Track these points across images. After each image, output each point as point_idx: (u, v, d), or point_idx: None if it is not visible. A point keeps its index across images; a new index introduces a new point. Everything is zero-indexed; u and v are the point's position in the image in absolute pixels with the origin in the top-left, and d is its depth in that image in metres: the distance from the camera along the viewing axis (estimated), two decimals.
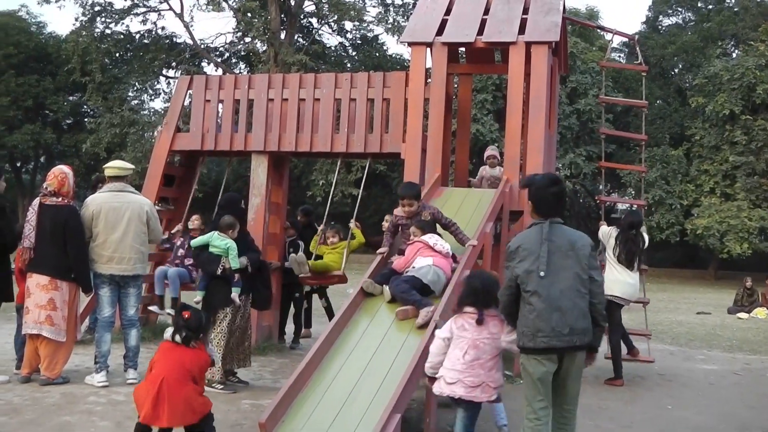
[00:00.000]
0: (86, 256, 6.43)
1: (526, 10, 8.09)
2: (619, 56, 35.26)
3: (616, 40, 35.68)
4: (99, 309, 6.62)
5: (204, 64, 32.12)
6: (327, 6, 29.43)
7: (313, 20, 32.84)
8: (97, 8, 29.18)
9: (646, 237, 8.15)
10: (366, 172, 8.93)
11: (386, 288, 5.55)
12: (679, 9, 37.32)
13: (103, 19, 29.43)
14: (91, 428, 5.18)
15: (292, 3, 29.58)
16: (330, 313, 9.47)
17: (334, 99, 8.64)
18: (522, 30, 7.85)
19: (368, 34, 34.35)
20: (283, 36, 28.74)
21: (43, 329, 6.28)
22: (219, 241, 6.43)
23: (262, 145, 8.79)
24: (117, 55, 31.16)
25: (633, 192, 29.33)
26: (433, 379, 4.49)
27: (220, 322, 6.38)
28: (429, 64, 8.17)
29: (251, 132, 8.90)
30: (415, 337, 5.06)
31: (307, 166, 27.86)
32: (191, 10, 52.64)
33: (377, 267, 5.95)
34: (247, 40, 29.16)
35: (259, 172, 8.83)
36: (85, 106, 33.51)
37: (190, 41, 30.28)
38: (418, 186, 6.39)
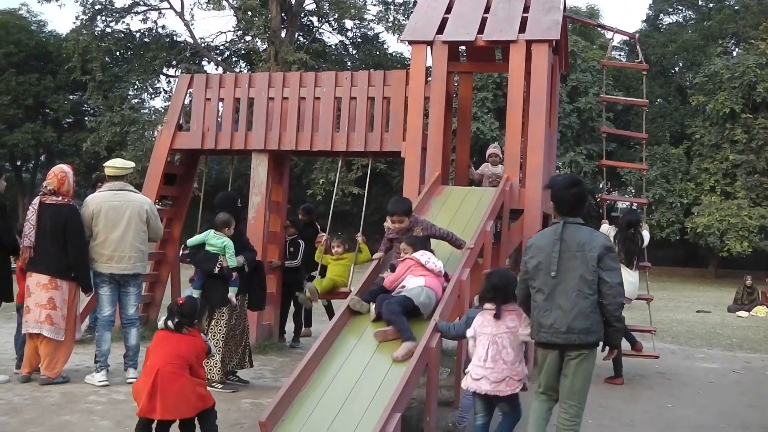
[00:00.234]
0: (86, 255, 6.43)
1: (526, 9, 8.08)
2: (620, 55, 35.23)
3: (617, 39, 35.59)
4: (99, 308, 6.62)
5: (204, 62, 32.11)
6: (327, 4, 29.40)
7: (314, 19, 32.83)
8: (97, 7, 29.14)
9: (647, 235, 8.15)
10: (369, 171, 8.90)
11: (373, 307, 5.26)
12: (680, 7, 37.27)
13: (103, 18, 29.40)
14: (91, 428, 5.18)
15: (293, 1, 29.56)
16: (330, 312, 9.46)
17: (334, 97, 8.63)
18: (523, 28, 7.84)
19: (369, 33, 34.32)
20: (283, 34, 28.71)
21: (43, 328, 6.27)
22: (215, 240, 6.41)
23: (262, 144, 8.78)
24: (117, 53, 31.12)
25: (633, 190, 29.32)
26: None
27: (217, 322, 6.36)
28: (429, 63, 8.16)
29: (251, 131, 8.90)
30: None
31: (307, 164, 27.85)
32: (192, 9, 52.58)
33: (365, 283, 5.67)
34: (248, 38, 29.14)
35: (259, 170, 8.82)
36: (85, 105, 33.48)
37: (190, 40, 30.27)
38: (408, 202, 5.98)
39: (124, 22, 30.03)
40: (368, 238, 8.64)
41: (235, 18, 28.90)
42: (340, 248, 8.35)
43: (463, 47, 8.91)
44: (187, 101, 9.67)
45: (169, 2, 29.73)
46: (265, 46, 28.23)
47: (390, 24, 29.37)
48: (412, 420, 5.06)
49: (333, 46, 34.10)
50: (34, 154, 35.37)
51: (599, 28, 18.76)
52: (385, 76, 8.53)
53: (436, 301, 5.23)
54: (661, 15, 37.85)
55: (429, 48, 8.09)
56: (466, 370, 4.70)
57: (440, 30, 8.08)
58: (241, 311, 6.58)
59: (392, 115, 8.39)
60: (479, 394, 4.59)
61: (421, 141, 7.95)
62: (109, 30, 29.68)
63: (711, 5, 35.79)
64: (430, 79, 8.13)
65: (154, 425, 4.47)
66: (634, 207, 9.44)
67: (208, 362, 6.03)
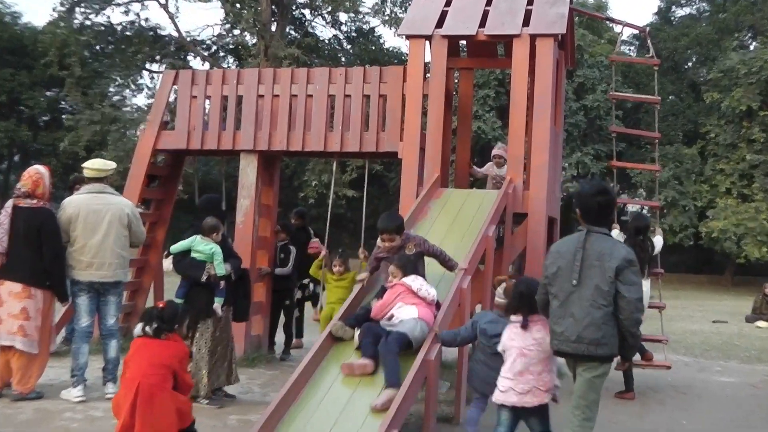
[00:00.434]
0: (63, 262, 6.41)
1: (530, 1, 8.10)
2: (630, 49, 35.32)
3: (626, 33, 35.67)
4: (76, 318, 6.60)
5: (190, 57, 32.13)
6: None
7: (306, 12, 32.87)
8: None
9: (659, 241, 8.16)
10: (366, 173, 8.91)
11: (357, 335, 5.14)
12: None
13: (82, 10, 29.38)
14: None
15: None
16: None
17: (327, 95, 8.63)
18: (526, 22, 7.86)
19: (364, 27, 34.38)
20: (273, 28, 28.74)
21: (16, 340, 6.25)
22: (202, 246, 6.39)
23: (251, 144, 8.78)
24: (97, 48, 31.13)
25: (644, 193, 29.35)
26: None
27: (201, 334, 6.32)
28: (428, 58, 8.18)
29: (240, 130, 8.90)
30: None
31: (299, 166, 27.86)
32: (177, 1, 52.82)
33: (350, 306, 5.52)
34: (236, 32, 29.16)
35: (248, 172, 8.82)
36: (63, 102, 33.43)
37: (175, 33, 30.30)
38: (399, 218, 5.81)
39: (104, 14, 30.03)
40: (365, 244, 8.64)
41: (222, 10, 28.93)
42: (341, 267, 8.35)
43: (464, 42, 8.93)
44: (171, 98, 9.66)
45: None
46: (254, 41, 28.26)
47: (386, 17, 29.44)
48: None
49: (326, 41, 34.17)
50: (8, 154, 35.30)
51: (608, 22, 18.87)
52: (382, 73, 8.53)
53: (427, 335, 5.04)
54: (673, 7, 37.94)
55: (428, 43, 8.10)
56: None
57: (439, 24, 8.10)
58: (226, 323, 6.56)
59: (389, 113, 8.40)
60: (506, 407, 4.69)
61: (420, 141, 7.96)
62: (88, 23, 29.67)
63: None
64: (428, 75, 8.14)
65: None
66: (644, 211, 9.45)
67: (193, 378, 6.02)
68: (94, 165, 6.75)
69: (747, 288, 27.13)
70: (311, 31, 32.91)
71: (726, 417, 6.95)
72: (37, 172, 6.52)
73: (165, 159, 9.66)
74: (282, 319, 9.38)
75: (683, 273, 30.95)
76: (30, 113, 33.34)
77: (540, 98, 7.72)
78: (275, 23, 29.18)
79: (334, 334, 5.20)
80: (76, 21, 29.32)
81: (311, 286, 9.54)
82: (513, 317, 4.75)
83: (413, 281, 5.26)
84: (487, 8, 8.16)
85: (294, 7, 31.68)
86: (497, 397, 4.69)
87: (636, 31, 26.81)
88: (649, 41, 10.42)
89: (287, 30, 31.41)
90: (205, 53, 31.66)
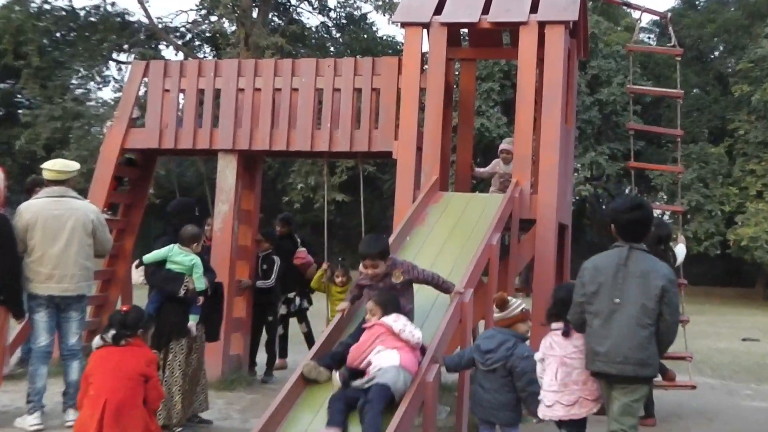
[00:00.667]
0: (19, 274, 6.39)
1: None
2: (649, 38, 35.41)
3: (645, 19, 35.73)
4: (34, 337, 6.57)
5: (162, 46, 32.14)
6: None
7: None
8: None
9: (682, 250, 8.18)
10: (361, 177, 8.95)
11: (335, 375, 4.88)
12: None
13: None
14: None
15: None
16: (310, 340, 9.47)
17: (314, 89, 8.67)
18: (534, 8, 7.91)
19: (355, 13, 34.45)
20: (255, 14, 28.78)
21: None
22: (181, 257, 6.40)
23: (230, 143, 8.81)
24: (58, 35, 31.06)
25: (665, 197, 29.39)
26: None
27: (174, 356, 6.31)
28: (426, 48, 8.22)
29: (218, 127, 8.92)
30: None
31: (283, 167, 27.87)
32: None
33: (325, 342, 5.34)
34: (213, 19, 29.18)
35: (226, 174, 8.84)
36: (19, 96, 33.36)
37: (145, 20, 30.30)
38: (383, 241, 5.59)
39: None
40: (353, 252, 8.67)
41: None
42: (344, 278, 8.36)
43: (465, 30, 8.97)
44: (141, 92, 9.68)
45: None
46: (233, 28, 28.29)
47: (380, 2, 29.48)
48: None
49: (313, 29, 34.21)
50: None
51: (625, 7, 18.89)
52: (374, 64, 8.57)
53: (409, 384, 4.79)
54: None
55: (425, 31, 8.14)
56: (539, 398, 4.92)
57: (438, 10, 8.14)
58: (200, 343, 6.57)
59: (382, 109, 8.44)
60: (554, 422, 4.86)
61: (416, 139, 8.00)
62: (47, 6, 29.66)
63: None
64: (426, 67, 8.18)
65: None
66: (665, 217, 9.50)
67: (166, 405, 6.02)
68: (54, 166, 6.74)
69: None
70: (296, 17, 32.98)
71: None
72: None
73: (134, 159, 9.66)
74: (264, 336, 9.39)
75: (709, 285, 30.97)
76: None
77: (549, 92, 7.77)
78: (257, 9, 29.23)
79: (306, 375, 4.93)
80: (33, 5, 29.29)
81: (297, 300, 9.56)
82: (553, 325, 4.97)
83: (395, 321, 4.97)
84: None
85: None
86: (543, 413, 4.86)
87: (656, 17, 26.82)
88: (670, 28, 10.47)
89: (270, 16, 31.46)
90: (179, 42, 31.67)
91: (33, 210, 6.52)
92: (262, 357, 9.40)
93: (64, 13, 30.44)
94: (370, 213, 28.79)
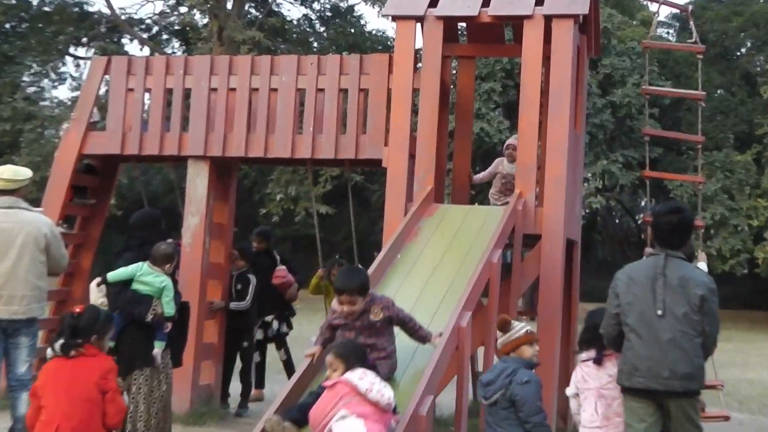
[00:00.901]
0: None
1: None
2: (668, 33, 35.58)
3: (664, 12, 35.97)
4: None
5: (125, 40, 32.17)
6: None
7: None
8: None
9: (702, 268, 8.22)
10: (349, 186, 8.99)
11: None
12: None
13: None
14: None
15: None
16: (290, 368, 9.47)
17: (296, 89, 8.71)
18: (540, 0, 7.95)
19: (341, 5, 34.57)
20: (230, 5, 28.81)
21: None
22: (151, 277, 6.40)
23: (201, 149, 8.82)
24: (7, 26, 31.00)
25: None
26: None
27: (139, 388, 6.31)
28: (420, 44, 8.26)
29: (188, 131, 8.94)
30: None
31: (260, 175, 27.87)
32: None
33: (290, 394, 5.17)
34: (183, 10, 29.23)
35: (197, 183, 8.85)
36: None
37: (106, 10, 30.31)
38: (361, 274, 5.43)
39: None
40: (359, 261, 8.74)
41: None
42: None
43: (463, 24, 9.02)
44: (102, 91, 9.70)
45: None
46: (205, 21, 28.31)
47: None
48: None
49: (295, 22, 34.27)
50: None
51: None
52: (362, 62, 8.62)
53: None
54: None
55: (419, 25, 8.19)
56: None
57: (434, 2, 8.18)
58: (166, 371, 6.57)
59: (371, 111, 8.47)
60: None
61: (409, 146, 8.04)
62: None
63: None
64: (420, 65, 8.22)
65: None
66: None
67: None
68: (3, 173, 6.71)
69: None
70: (276, 9, 33.01)
71: None
72: None
73: (94, 166, 9.66)
74: (238, 364, 9.38)
75: (736, 309, 30.99)
76: None
77: (557, 93, 7.81)
78: (231, 0, 29.27)
79: (269, 431, 4.70)
80: None
81: (275, 324, 9.56)
82: (584, 354, 5.11)
83: (360, 379, 4.54)
84: None
85: None
86: None
87: (676, 10, 26.94)
88: (691, 22, 10.56)
89: (246, 8, 31.50)
90: (145, 36, 31.68)
91: None
92: (235, 387, 9.39)
93: (14, 1, 30.35)
94: (358, 227, 28.70)
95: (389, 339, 5.31)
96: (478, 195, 15.26)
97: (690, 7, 10.69)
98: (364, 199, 29.17)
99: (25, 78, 31.03)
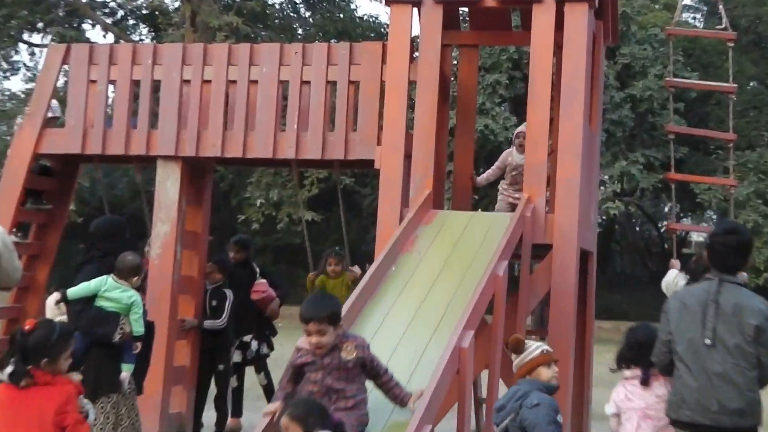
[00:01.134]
0: None
1: None
2: (694, 18, 35.68)
3: None
4: None
5: (86, 26, 32.10)
6: None
7: None
8: None
9: (760, 297, 8.28)
10: (339, 190, 9.01)
11: None
12: None
13: None
14: None
15: None
16: (270, 394, 9.46)
17: (278, 81, 8.73)
18: None
19: None
20: None
21: None
22: (118, 292, 6.40)
23: (172, 148, 8.82)
24: None
25: (715, 216, 29.54)
26: None
27: (107, 417, 6.32)
28: (417, 32, 8.28)
29: (157, 128, 8.95)
30: None
31: (239, 178, 27.84)
32: None
33: None
34: None
35: (167, 186, 8.85)
36: None
37: None
38: (333, 301, 5.20)
39: None
40: (352, 258, 8.75)
41: None
42: (338, 266, 8.42)
43: (466, 9, 9.04)
44: (60, 83, 9.69)
45: None
46: (177, 4, 28.33)
47: None
48: None
49: (277, 6, 34.27)
50: None
51: None
52: (353, 51, 8.63)
53: None
54: None
55: (416, 10, 8.20)
56: None
57: None
58: (131, 397, 6.59)
59: (362, 107, 8.49)
60: None
61: (404, 145, 8.05)
62: None
63: None
64: (417, 54, 8.24)
65: None
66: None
67: None
68: None
69: None
70: None
71: None
72: None
73: (51, 166, 9.65)
74: (213, 390, 9.38)
75: None
76: None
77: (570, 86, 7.83)
78: None
79: None
80: None
81: (254, 344, 9.56)
82: (628, 372, 5.23)
83: None
84: None
85: None
86: None
87: None
88: (721, 6, 10.59)
89: None
90: (108, 20, 31.66)
91: None
92: (210, 416, 9.39)
93: None
94: (347, 235, 28.67)
95: (360, 386, 5.03)
96: (482, 200, 15.29)
97: None
98: (355, 204, 29.17)
99: None
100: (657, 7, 30.59)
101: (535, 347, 5.26)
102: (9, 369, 4.56)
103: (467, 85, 9.76)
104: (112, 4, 32.16)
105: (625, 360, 5.38)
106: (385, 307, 6.30)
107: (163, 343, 8.19)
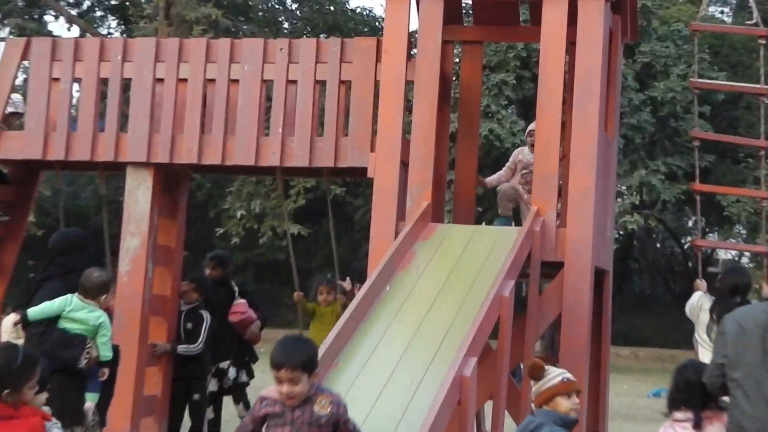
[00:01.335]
0: None
1: None
2: (722, 12, 35.74)
3: None
4: None
5: (49, 17, 32.12)
6: None
7: None
8: None
9: None
10: (329, 201, 9.03)
11: None
12: None
13: None
14: None
15: None
16: None
17: (261, 80, 8.73)
18: None
19: None
20: None
21: None
22: (84, 312, 6.40)
23: (144, 154, 8.81)
24: None
25: (745, 232, 29.54)
26: None
27: None
28: (415, 26, 8.29)
29: (126, 132, 8.94)
30: None
31: (217, 187, 27.84)
32: None
33: None
34: None
35: (138, 196, 8.84)
36: None
37: None
38: (309, 346, 5.04)
39: None
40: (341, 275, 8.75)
41: None
42: (329, 295, 8.43)
43: (469, 2, 9.05)
44: (19, 81, 9.68)
45: None
46: None
47: None
48: None
49: None
50: None
51: None
52: (344, 47, 8.63)
53: None
54: None
55: (414, 3, 8.23)
56: None
57: None
58: (95, 431, 6.58)
59: (354, 109, 8.50)
60: None
61: (401, 151, 8.05)
62: None
63: None
64: (415, 51, 8.25)
65: None
66: (742, 260, 9.57)
67: None
68: None
69: None
70: None
71: None
72: None
73: (7, 174, 9.64)
74: (187, 421, 9.36)
75: None
76: None
77: (584, 87, 7.83)
78: None
79: None
80: None
81: (232, 372, 9.54)
82: (679, 414, 5.24)
83: None
84: None
85: None
86: None
87: None
88: (751, 0, 10.60)
89: None
90: (73, 11, 31.66)
91: None
92: None
93: None
94: (337, 251, 28.59)
95: None
96: (486, 212, 15.26)
97: None
98: (346, 217, 29.18)
99: None
100: (680, 1, 30.64)
101: (555, 374, 5.24)
102: None
103: (470, 86, 9.76)
104: None
105: (676, 403, 5.38)
106: (378, 331, 6.29)
107: (131, 370, 8.17)
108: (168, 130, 8.82)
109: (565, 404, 5.16)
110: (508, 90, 27.08)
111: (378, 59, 8.38)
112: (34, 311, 6.48)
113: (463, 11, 9.39)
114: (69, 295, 6.42)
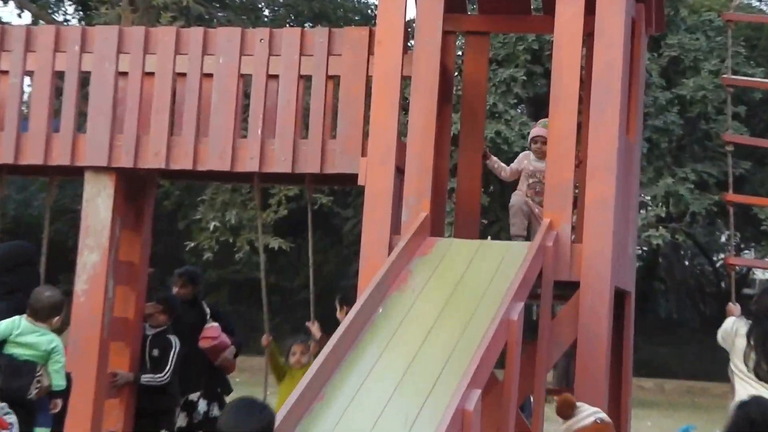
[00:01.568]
0: None
1: None
2: (759, 1, 35.86)
3: None
4: None
5: None
6: None
7: None
8: None
9: None
10: (310, 211, 9.03)
11: None
12: None
13: None
14: None
15: None
16: None
17: (238, 75, 8.75)
18: None
19: None
20: None
21: None
22: (35, 336, 6.42)
23: (104, 158, 8.82)
24: None
25: None
26: None
27: None
28: (412, 15, 8.32)
29: (85, 132, 8.95)
30: None
31: (188, 195, 27.86)
32: None
33: None
34: None
35: (97, 205, 8.84)
36: None
37: None
38: (262, 415, 4.92)
39: None
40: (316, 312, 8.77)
41: None
42: (303, 357, 8.46)
43: None
44: None
45: None
46: None
47: None
48: None
49: None
50: None
51: None
52: (332, 38, 8.65)
53: None
54: None
55: None
56: None
57: None
58: None
59: (343, 108, 8.51)
60: None
61: (395, 156, 8.07)
62: None
63: None
64: (412, 43, 8.27)
65: None
66: None
67: None
68: None
69: None
70: None
71: None
72: None
73: None
74: None
75: None
76: None
77: (602, 85, 7.85)
78: None
79: None
80: None
81: (202, 404, 9.55)
82: None
83: None
84: None
85: None
86: None
87: None
88: None
89: None
90: None
91: None
92: None
93: None
94: (322, 269, 28.61)
95: None
96: (492, 225, 15.27)
97: None
98: (334, 229, 29.22)
99: None
100: None
101: (587, 414, 5.27)
102: None
103: (475, 82, 9.78)
104: None
105: None
106: (368, 360, 6.28)
107: (88, 403, 8.16)
108: (132, 130, 8.83)
109: None
110: (518, 87, 27.14)
111: (370, 51, 8.40)
112: None
113: None
114: (16, 317, 6.43)
